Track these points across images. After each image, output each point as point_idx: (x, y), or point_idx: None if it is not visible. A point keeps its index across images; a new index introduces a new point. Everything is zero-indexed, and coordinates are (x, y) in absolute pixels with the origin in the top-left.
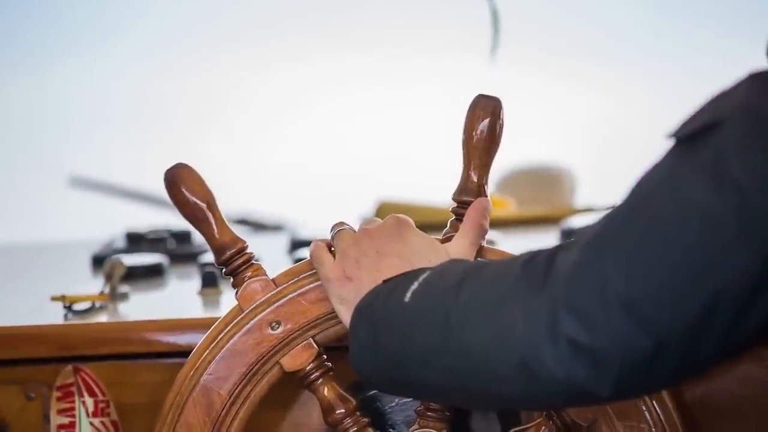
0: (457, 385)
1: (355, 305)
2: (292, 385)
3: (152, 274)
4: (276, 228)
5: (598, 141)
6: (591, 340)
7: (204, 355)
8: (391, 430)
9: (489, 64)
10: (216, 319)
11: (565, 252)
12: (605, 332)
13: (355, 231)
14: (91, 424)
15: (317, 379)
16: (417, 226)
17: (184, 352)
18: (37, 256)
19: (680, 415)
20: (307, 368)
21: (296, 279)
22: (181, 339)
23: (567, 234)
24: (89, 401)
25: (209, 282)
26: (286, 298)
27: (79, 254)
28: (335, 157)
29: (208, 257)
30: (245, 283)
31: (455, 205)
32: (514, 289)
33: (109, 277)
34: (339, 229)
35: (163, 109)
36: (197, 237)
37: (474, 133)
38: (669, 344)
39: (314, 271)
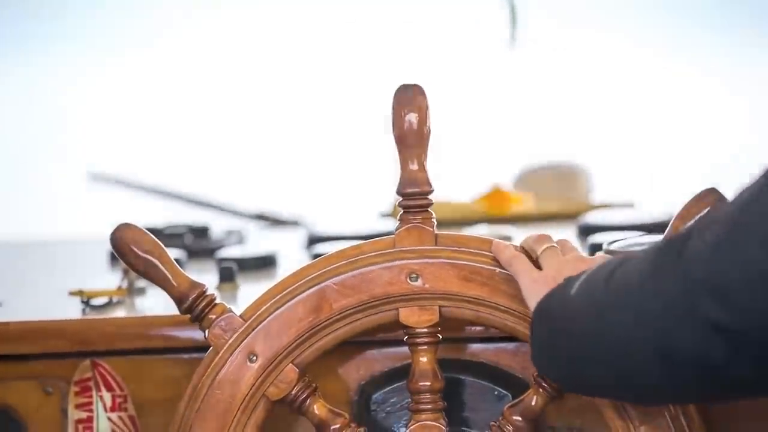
0: (612, 376)
1: (536, 305)
2: None
3: None
4: (293, 223)
5: (615, 138)
6: (731, 319)
7: (186, 408)
8: None
9: (506, 60)
10: None
11: (699, 233)
12: (747, 310)
13: None
14: (109, 418)
15: (305, 400)
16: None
17: (201, 348)
18: (55, 252)
19: (699, 412)
20: (293, 392)
21: (262, 310)
22: (199, 334)
23: (584, 230)
24: (107, 396)
25: (227, 277)
26: (255, 331)
27: (96, 249)
28: (352, 154)
29: (226, 252)
30: (212, 325)
31: None
32: (649, 273)
33: (126, 272)
34: (548, 245)
35: (181, 105)
36: (215, 232)
37: None
38: None
39: (277, 298)
